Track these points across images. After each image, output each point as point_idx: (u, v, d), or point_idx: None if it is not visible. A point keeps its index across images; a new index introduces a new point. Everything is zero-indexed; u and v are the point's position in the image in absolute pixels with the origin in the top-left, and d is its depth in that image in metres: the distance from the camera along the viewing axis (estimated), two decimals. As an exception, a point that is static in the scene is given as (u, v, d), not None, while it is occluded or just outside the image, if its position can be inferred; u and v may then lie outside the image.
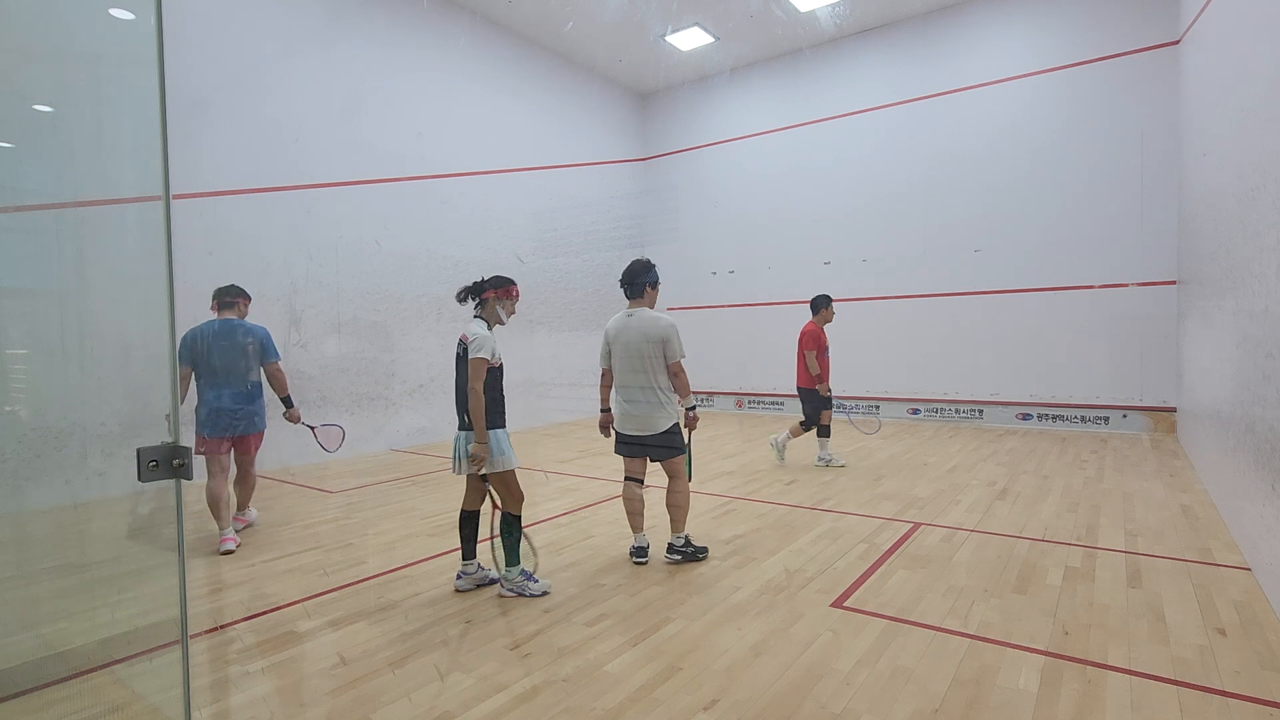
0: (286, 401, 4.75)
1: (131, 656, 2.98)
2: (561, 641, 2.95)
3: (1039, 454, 7.24)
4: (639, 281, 3.90)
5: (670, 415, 3.88)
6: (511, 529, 3.49)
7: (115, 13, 2.37)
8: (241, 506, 4.81)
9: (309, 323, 7.51)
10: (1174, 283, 8.28)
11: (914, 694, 2.47)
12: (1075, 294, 8.90)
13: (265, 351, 4.64)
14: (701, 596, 3.44)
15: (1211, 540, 4.19)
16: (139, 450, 1.51)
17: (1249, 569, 3.69)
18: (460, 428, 3.50)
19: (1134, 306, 8.55)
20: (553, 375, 10.64)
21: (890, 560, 3.94)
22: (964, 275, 9.68)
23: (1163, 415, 8.40)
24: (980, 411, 9.55)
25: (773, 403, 11.45)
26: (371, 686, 2.59)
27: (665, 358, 3.83)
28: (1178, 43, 8.11)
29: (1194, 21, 6.73)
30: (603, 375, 4.04)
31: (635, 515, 4.01)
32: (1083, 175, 8.80)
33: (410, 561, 4.06)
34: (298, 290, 7.40)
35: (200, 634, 3.12)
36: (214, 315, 4.55)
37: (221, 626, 3.20)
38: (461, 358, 3.42)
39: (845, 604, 3.31)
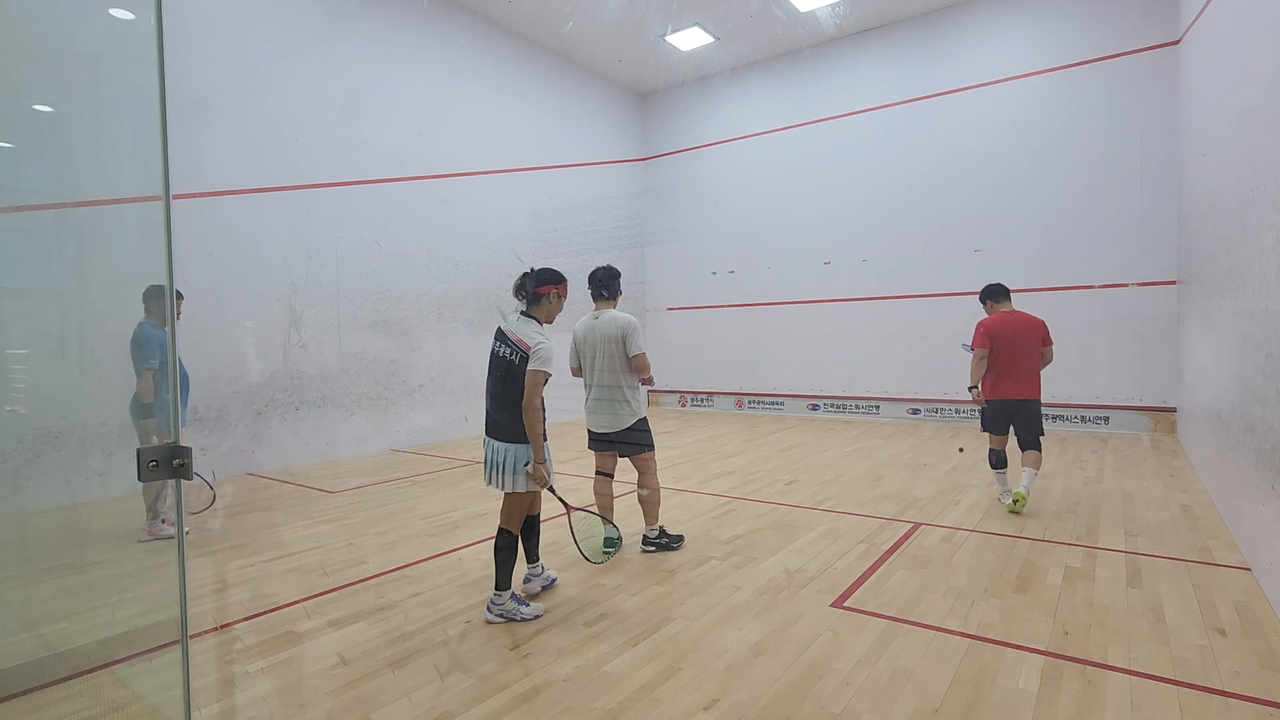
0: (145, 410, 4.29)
1: (131, 656, 2.98)
2: (561, 641, 2.95)
3: (1039, 454, 7.24)
4: (614, 286, 4.12)
5: (636, 411, 4.07)
6: (511, 550, 3.20)
7: (115, 13, 2.37)
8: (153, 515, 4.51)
9: (309, 323, 7.51)
10: (1174, 283, 8.28)
11: (914, 694, 2.47)
12: (1075, 294, 8.89)
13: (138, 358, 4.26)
14: (701, 596, 3.44)
15: (1211, 540, 4.19)
16: (139, 450, 1.51)
17: (1249, 569, 3.69)
18: (494, 436, 3.16)
19: (1134, 306, 8.55)
20: (554, 376, 10.63)
21: (890, 560, 3.94)
22: (964, 275, 9.67)
23: (1163, 415, 8.40)
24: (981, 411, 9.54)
25: (772, 403, 11.45)
26: (371, 686, 2.59)
27: (627, 352, 4.01)
28: (1178, 43, 8.11)
29: (1194, 21, 6.73)
30: (572, 370, 4.25)
31: (605, 506, 4.20)
32: (1083, 175, 8.80)
33: (410, 561, 4.06)
34: (298, 290, 7.40)
35: (200, 634, 3.12)
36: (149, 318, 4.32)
37: (221, 626, 3.20)
38: (506, 359, 3.12)
39: (845, 604, 3.31)
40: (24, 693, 2.60)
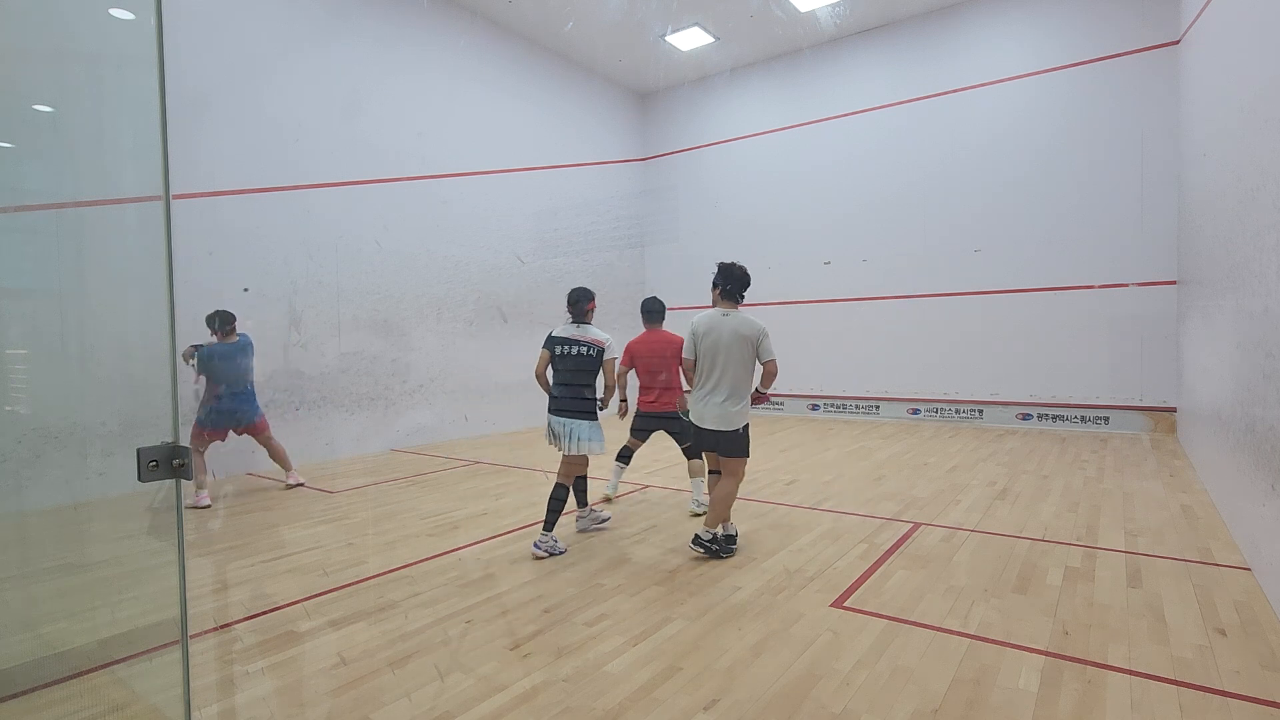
0: None
1: (131, 656, 2.98)
2: (561, 641, 2.95)
3: (1039, 454, 7.24)
4: (743, 289, 4.12)
5: (745, 415, 4.03)
6: (563, 500, 4.24)
7: (115, 13, 2.37)
8: (286, 469, 6.11)
9: (309, 323, 7.51)
10: (1174, 283, 8.28)
11: (914, 694, 2.47)
12: (1075, 294, 8.90)
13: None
14: (701, 596, 3.44)
15: (1211, 540, 4.19)
16: (139, 450, 1.51)
17: (1249, 569, 3.69)
18: (566, 414, 4.17)
19: (1134, 306, 8.55)
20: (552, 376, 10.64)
21: (890, 560, 3.94)
22: (964, 275, 9.67)
23: (1163, 415, 8.40)
24: (980, 411, 9.55)
25: (773, 403, 11.44)
26: (371, 686, 2.59)
27: (759, 356, 4.03)
28: (1178, 43, 8.11)
29: (1194, 21, 6.73)
30: (685, 363, 4.22)
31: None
32: (1083, 175, 8.80)
33: (410, 561, 4.06)
34: (298, 290, 7.40)
35: (200, 634, 3.12)
36: (215, 339, 5.68)
37: (221, 626, 3.20)
38: (583, 355, 4.16)
39: (845, 604, 3.31)
40: (24, 693, 2.60)
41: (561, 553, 4.13)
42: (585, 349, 4.17)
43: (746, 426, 4.04)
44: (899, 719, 2.32)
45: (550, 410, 4.26)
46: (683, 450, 5.13)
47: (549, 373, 4.33)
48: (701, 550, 3.98)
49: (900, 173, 10.17)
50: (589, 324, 4.28)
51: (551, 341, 4.23)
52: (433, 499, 5.65)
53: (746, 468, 4.29)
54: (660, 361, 5.06)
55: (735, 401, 3.99)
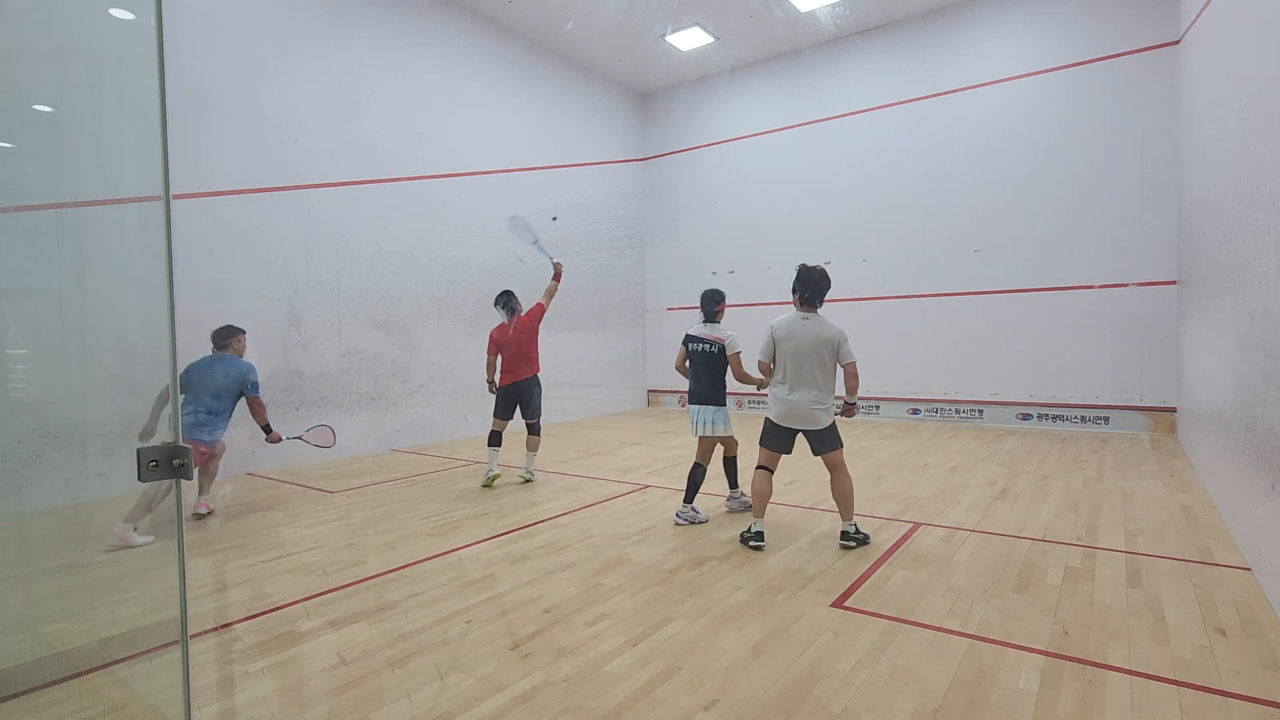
0: (266, 429, 5.30)
1: (131, 656, 2.98)
2: (561, 641, 2.95)
3: (1039, 454, 7.24)
4: (823, 295, 4.27)
5: (831, 413, 4.24)
6: (702, 477, 4.80)
7: (115, 13, 2.37)
8: (201, 491, 5.24)
9: (309, 323, 7.51)
10: (1174, 283, 8.28)
11: (914, 694, 2.47)
12: (1075, 294, 8.90)
13: (245, 385, 5.22)
14: (701, 596, 3.44)
15: (1211, 540, 4.19)
16: (139, 450, 1.51)
17: (1249, 569, 3.69)
18: (700, 403, 4.78)
19: (1134, 306, 8.55)
20: (552, 376, 10.63)
21: (890, 560, 3.94)
22: (964, 275, 9.68)
23: (1163, 415, 8.40)
24: (980, 411, 9.55)
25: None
26: (371, 686, 2.59)
27: (839, 359, 4.20)
28: (1178, 43, 8.11)
29: (1194, 21, 6.74)
30: (760, 365, 4.39)
31: (763, 501, 4.27)
32: (1083, 175, 8.80)
33: (410, 561, 4.06)
34: (298, 290, 7.40)
35: (200, 634, 3.12)
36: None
37: (221, 626, 3.20)
38: (708, 353, 4.74)
39: (845, 604, 3.31)
40: (24, 693, 2.60)
41: (703, 521, 4.73)
42: (709, 346, 4.73)
43: (834, 422, 4.27)
44: (899, 719, 2.32)
45: (688, 399, 4.90)
46: (527, 425, 6.19)
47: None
48: (853, 544, 4.16)
49: (900, 173, 10.17)
50: (717, 323, 4.81)
51: (686, 339, 4.86)
52: (432, 499, 5.65)
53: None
54: (520, 342, 6.07)
55: (822, 402, 4.19)
